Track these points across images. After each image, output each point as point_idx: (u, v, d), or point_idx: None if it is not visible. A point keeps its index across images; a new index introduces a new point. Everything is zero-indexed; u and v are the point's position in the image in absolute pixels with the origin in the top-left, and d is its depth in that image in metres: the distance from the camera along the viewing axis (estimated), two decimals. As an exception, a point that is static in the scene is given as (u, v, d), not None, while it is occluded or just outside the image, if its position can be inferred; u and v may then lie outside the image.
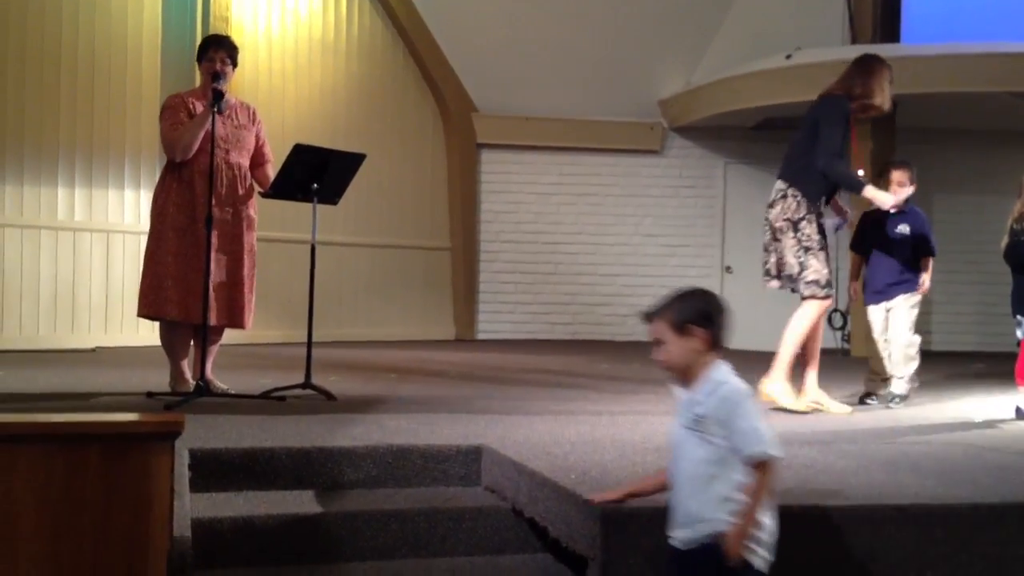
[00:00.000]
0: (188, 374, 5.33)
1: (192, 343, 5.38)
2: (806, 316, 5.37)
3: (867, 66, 5.47)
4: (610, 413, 5.12)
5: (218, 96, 5.09)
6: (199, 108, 5.26)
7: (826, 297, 5.37)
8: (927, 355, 6.32)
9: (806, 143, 5.41)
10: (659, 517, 2.92)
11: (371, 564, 3.38)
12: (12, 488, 2.36)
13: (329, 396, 5.26)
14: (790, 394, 5.33)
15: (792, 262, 5.39)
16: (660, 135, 11.48)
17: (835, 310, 10.82)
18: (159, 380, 5.47)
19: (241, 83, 8.99)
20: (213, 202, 5.05)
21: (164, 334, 5.36)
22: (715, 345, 2.69)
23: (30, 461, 2.37)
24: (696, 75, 11.06)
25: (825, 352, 5.67)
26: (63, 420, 2.45)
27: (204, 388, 5.01)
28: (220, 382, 5.31)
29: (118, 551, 2.41)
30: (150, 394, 5.09)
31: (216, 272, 5.13)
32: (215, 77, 5.20)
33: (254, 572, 3.21)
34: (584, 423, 4.67)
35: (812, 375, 5.45)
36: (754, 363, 4.70)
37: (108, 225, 8.69)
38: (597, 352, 9.31)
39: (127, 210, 8.84)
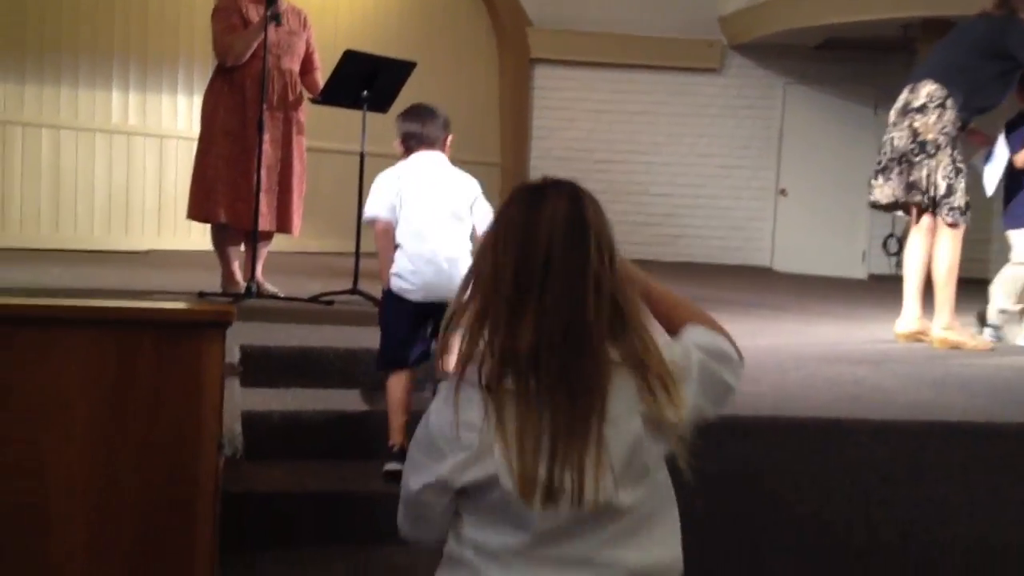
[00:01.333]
0: (239, 276, 5.39)
1: (243, 246, 5.44)
2: (950, 249, 4.95)
3: None
4: (652, 328, 5.09)
5: (274, 12, 5.02)
6: (251, 11, 5.22)
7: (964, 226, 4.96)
8: (985, 283, 6.17)
9: (978, 60, 4.85)
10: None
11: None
12: (69, 370, 2.41)
13: (376, 302, 5.29)
14: (963, 334, 4.99)
15: (941, 183, 4.87)
16: (719, 53, 11.23)
17: (891, 234, 10.66)
18: (211, 282, 5.53)
19: (295, -11, 8.92)
20: (264, 108, 5.04)
21: (215, 237, 5.41)
22: None
23: (86, 344, 2.42)
24: (758, -9, 10.78)
25: (878, 278, 5.57)
26: (118, 306, 2.49)
27: (254, 290, 5.07)
28: (270, 285, 5.37)
29: (170, 435, 2.46)
30: (202, 294, 5.16)
31: (266, 178, 5.15)
32: None
33: (301, 465, 3.28)
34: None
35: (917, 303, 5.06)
36: (806, 287, 4.63)
37: (161, 130, 8.74)
38: (646, 271, 9.24)
39: (180, 115, 8.88)
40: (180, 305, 2.59)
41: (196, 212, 5.31)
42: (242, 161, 5.16)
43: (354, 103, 5.40)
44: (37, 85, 8.15)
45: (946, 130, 4.85)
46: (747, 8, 10.79)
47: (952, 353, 4.68)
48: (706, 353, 1.64)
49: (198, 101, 8.81)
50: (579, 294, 1.49)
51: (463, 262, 3.31)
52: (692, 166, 11.27)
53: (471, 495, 1.52)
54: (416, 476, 1.58)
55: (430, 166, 3.52)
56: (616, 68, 11.14)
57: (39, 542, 2.41)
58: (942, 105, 4.85)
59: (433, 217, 3.41)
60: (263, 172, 5.08)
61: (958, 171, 4.89)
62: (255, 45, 5.10)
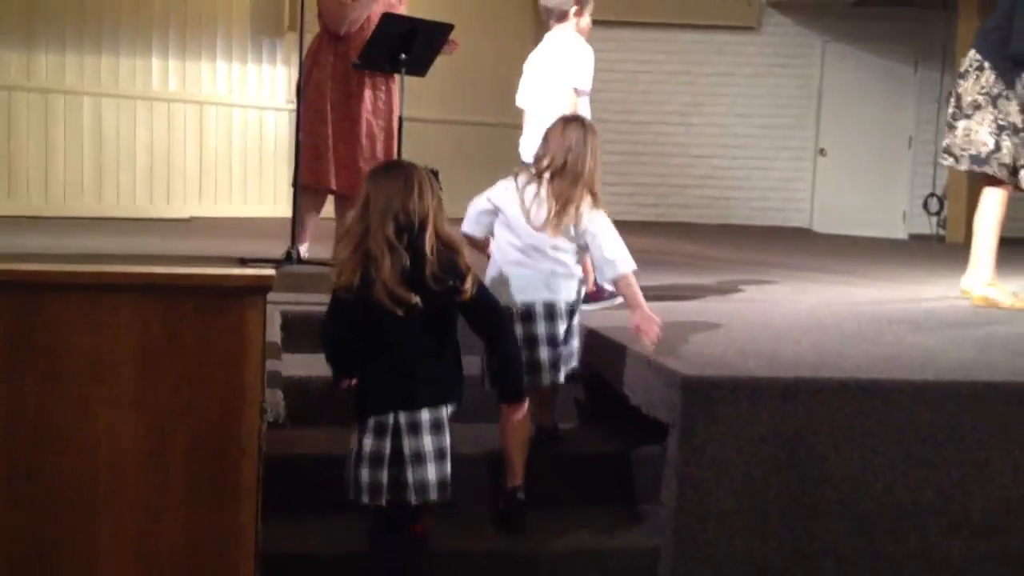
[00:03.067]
0: (305, 246, 5.43)
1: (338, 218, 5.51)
2: (987, 205, 4.90)
3: None
4: (692, 289, 5.10)
5: None
6: None
7: (1013, 185, 4.85)
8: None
9: (1004, 17, 4.77)
10: (741, 387, 2.93)
11: (454, 425, 3.46)
12: (115, 335, 2.47)
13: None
14: (1004, 292, 4.91)
15: (988, 140, 4.81)
16: (757, 11, 11.08)
17: (931, 194, 10.51)
18: (252, 248, 5.59)
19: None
20: (368, 80, 5.23)
21: (303, 203, 5.44)
22: None
23: (130, 310, 2.47)
24: (797, -53, 10.61)
25: (918, 238, 5.50)
26: (161, 272, 2.54)
27: (296, 256, 5.12)
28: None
29: (213, 398, 2.51)
30: (243, 260, 5.22)
31: (367, 147, 5.30)
32: None
33: (342, 430, 3.32)
34: (667, 297, 4.66)
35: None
36: (846, 247, 4.59)
37: (201, 96, 8.81)
38: (684, 234, 9.22)
39: (219, 82, 8.93)
40: (222, 271, 2.63)
41: (310, 178, 5.38)
42: (346, 129, 5.31)
43: (393, 67, 5.40)
44: (77, 54, 8.24)
45: (984, 90, 4.82)
46: (786, -35, 10.64)
47: (994, 313, 4.63)
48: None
49: (238, 67, 8.99)
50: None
51: None
52: (731, 127, 11.16)
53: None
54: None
55: None
56: (653, 27, 11.03)
57: (90, 506, 2.48)
58: (981, 67, 4.83)
59: None
60: (364, 141, 5.28)
61: (1001, 128, 4.80)
62: (367, 14, 5.28)
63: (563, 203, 3.20)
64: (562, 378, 3.28)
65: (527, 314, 3.19)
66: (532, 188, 3.25)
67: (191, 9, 8.73)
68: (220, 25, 8.91)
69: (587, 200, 3.25)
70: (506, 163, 11.70)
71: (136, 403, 2.50)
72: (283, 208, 8.41)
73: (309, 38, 5.49)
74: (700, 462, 2.90)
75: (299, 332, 3.74)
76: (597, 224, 3.26)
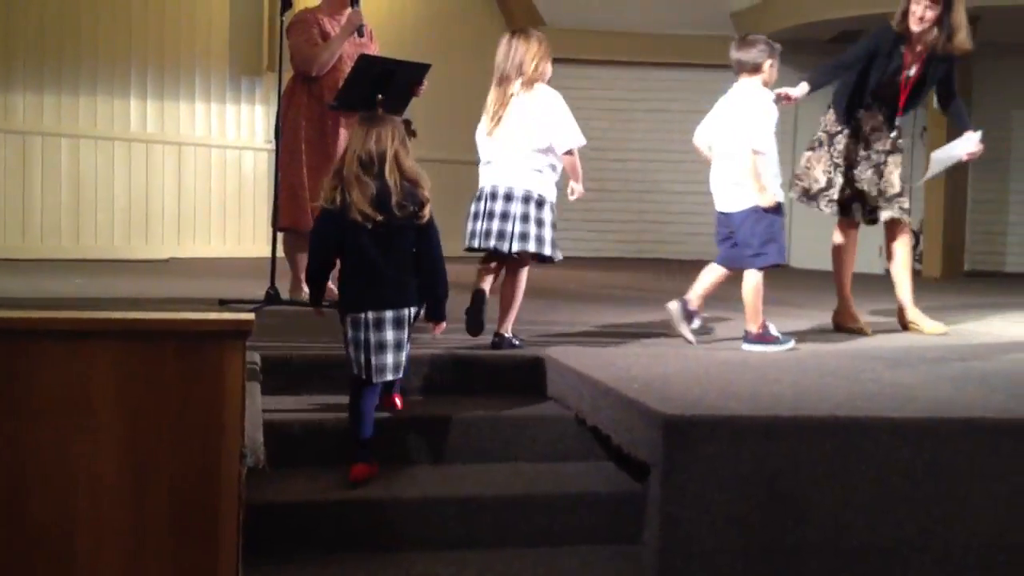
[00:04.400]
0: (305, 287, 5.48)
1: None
2: (839, 239, 5.38)
3: None
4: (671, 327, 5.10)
5: (359, 24, 5.37)
6: (328, 26, 5.44)
7: (849, 221, 5.30)
8: (1001, 276, 6.17)
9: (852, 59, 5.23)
10: (721, 426, 2.94)
11: (436, 468, 3.46)
12: (93, 382, 2.45)
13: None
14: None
15: (820, 177, 5.28)
16: (732, 49, 11.21)
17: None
18: (231, 289, 5.58)
19: (308, -5, 8.96)
20: (343, 119, 5.28)
21: (288, 244, 5.52)
22: None
23: (110, 356, 2.45)
24: (770, -14, 10.76)
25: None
26: (140, 318, 2.53)
27: (275, 296, 5.12)
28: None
29: (193, 444, 2.49)
30: (222, 301, 5.20)
31: None
32: (354, 0, 5.42)
33: (323, 472, 3.31)
34: (648, 335, 4.67)
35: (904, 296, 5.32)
36: (823, 283, 4.64)
37: (180, 137, 8.82)
38: (662, 270, 9.27)
39: (198, 123, 8.95)
40: (201, 315, 2.62)
41: (287, 220, 5.41)
42: (323, 170, 5.27)
43: (369, 107, 5.43)
44: (55, 95, 8.24)
45: (824, 128, 5.36)
46: (758, 4, 10.78)
47: (971, 349, 4.67)
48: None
49: (216, 108, 9.02)
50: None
51: None
52: (707, 162, 11.23)
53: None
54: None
55: None
56: (629, 66, 11.15)
57: (68, 549, 2.45)
58: (829, 106, 5.40)
59: None
60: None
61: (835, 166, 5.24)
62: (338, 54, 5.35)
63: None
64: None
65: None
66: None
67: (169, 50, 8.76)
68: (198, 66, 8.93)
69: None
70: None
71: (115, 449, 2.48)
72: (262, 248, 8.39)
73: (288, 77, 5.53)
74: (682, 501, 2.90)
75: (279, 374, 3.72)
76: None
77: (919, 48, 5.01)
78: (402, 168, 3.40)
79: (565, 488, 3.34)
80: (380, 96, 5.35)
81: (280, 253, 5.37)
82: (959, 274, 10.26)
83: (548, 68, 4.39)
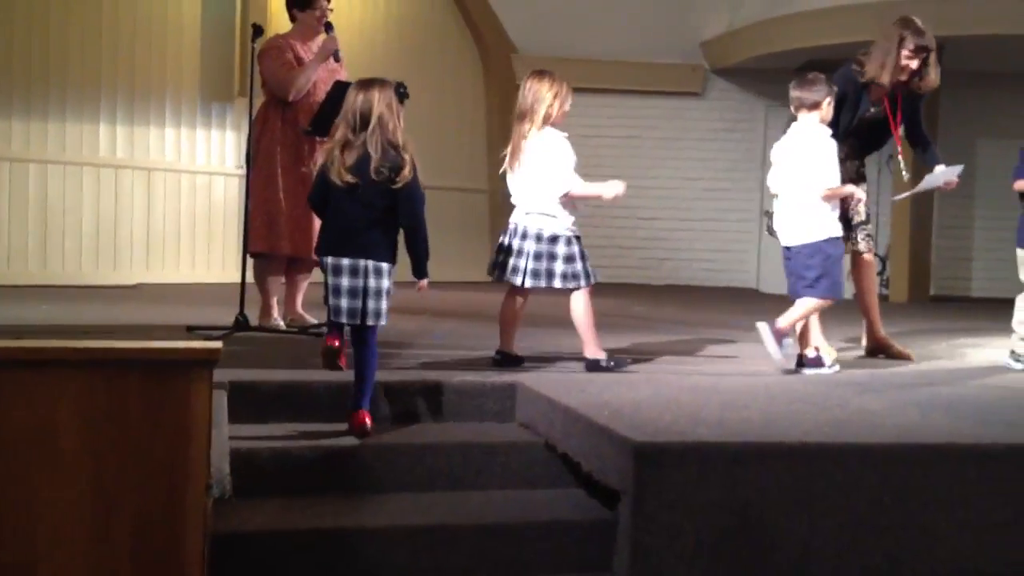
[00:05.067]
0: (276, 310, 5.51)
1: (284, 281, 5.63)
2: None
3: (884, 30, 5.09)
4: (645, 353, 5.13)
5: (335, 50, 5.43)
6: (301, 51, 5.47)
7: None
8: (968, 301, 6.24)
9: None
10: (690, 453, 2.94)
11: (406, 496, 3.44)
12: (58, 411, 2.42)
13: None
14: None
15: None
16: (702, 77, 11.32)
17: (874, 255, 10.72)
18: (200, 315, 5.54)
19: (280, 20, 8.96)
20: (319, 143, 5.25)
21: (258, 269, 5.52)
22: None
23: (75, 385, 2.43)
24: (739, 16, 10.88)
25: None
26: (105, 346, 2.50)
27: (244, 323, 5.09)
28: (310, 317, 5.53)
29: (159, 475, 2.47)
30: (190, 328, 5.16)
31: None
32: (329, 27, 5.48)
33: (291, 502, 3.28)
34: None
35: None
36: (789, 307, 4.67)
37: (149, 163, 8.76)
38: (633, 295, 9.29)
39: (168, 148, 8.90)
40: (168, 344, 2.60)
41: (261, 245, 5.42)
42: (299, 195, 5.32)
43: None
44: (24, 120, 8.18)
45: None
46: (728, 33, 10.90)
47: (936, 374, 4.72)
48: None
49: (186, 133, 8.98)
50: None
51: None
52: (678, 189, 11.33)
53: None
54: None
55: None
56: (601, 93, 11.21)
57: (29, 585, 2.42)
58: None
59: None
60: None
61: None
62: (313, 78, 5.37)
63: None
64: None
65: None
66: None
67: (139, 75, 8.72)
68: (169, 91, 8.90)
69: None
70: (458, 227, 11.76)
71: (79, 479, 2.45)
72: (232, 274, 8.34)
73: (259, 103, 5.53)
74: (652, 529, 2.90)
75: (247, 401, 3.69)
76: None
77: (881, 89, 5.10)
78: (385, 130, 3.67)
79: (535, 516, 3.33)
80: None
81: (250, 279, 5.33)
82: (926, 299, 10.37)
83: (561, 109, 4.58)
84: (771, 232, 5.09)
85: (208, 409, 2.51)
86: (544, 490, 3.57)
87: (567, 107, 4.57)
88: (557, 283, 4.47)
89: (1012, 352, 5.07)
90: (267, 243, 5.40)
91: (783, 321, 4.60)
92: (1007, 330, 5.19)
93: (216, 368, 2.58)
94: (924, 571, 3.01)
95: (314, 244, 5.22)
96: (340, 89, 5.30)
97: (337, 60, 5.46)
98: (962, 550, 3.03)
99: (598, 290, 4.67)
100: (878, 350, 5.37)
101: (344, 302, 3.70)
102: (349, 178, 3.66)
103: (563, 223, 4.52)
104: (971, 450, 3.11)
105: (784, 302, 4.70)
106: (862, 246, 5.28)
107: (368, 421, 3.62)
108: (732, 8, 10.93)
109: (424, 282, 3.88)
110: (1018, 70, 10.46)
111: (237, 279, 5.38)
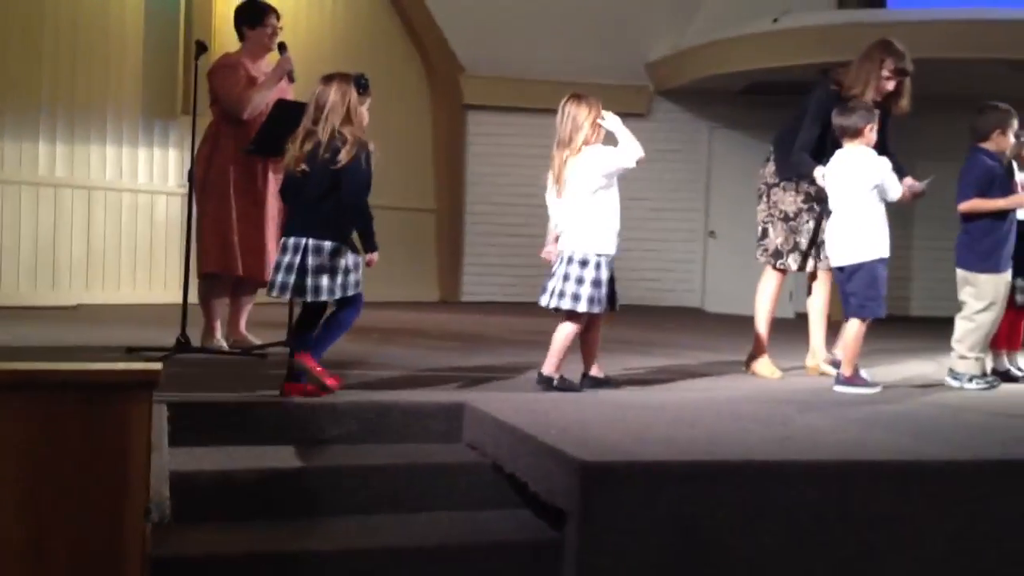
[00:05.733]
0: (219, 332, 5.44)
1: (229, 302, 5.58)
2: (761, 284, 5.44)
3: (865, 51, 5.22)
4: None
5: (290, 71, 5.41)
6: (252, 70, 5.42)
7: (778, 269, 5.38)
8: (907, 320, 6.35)
9: (798, 123, 5.32)
10: (637, 471, 2.95)
11: (351, 519, 3.40)
12: (-8, 435, 2.36)
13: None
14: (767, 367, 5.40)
15: (758, 228, 5.42)
16: (647, 98, 11.43)
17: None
18: (140, 336, 5.45)
19: (225, 38, 8.88)
20: (272, 163, 5.21)
21: (202, 290, 5.45)
22: None
23: (11, 408, 2.37)
24: (684, 38, 11.01)
25: (804, 316, 5.67)
26: (42, 368, 2.45)
27: (185, 344, 5.01)
28: (252, 337, 5.49)
29: (96, 499, 2.41)
30: (130, 349, 5.07)
31: (273, 229, 5.29)
32: (283, 47, 5.43)
33: (233, 526, 3.22)
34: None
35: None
36: (737, 327, 4.71)
37: (89, 182, 8.62)
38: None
39: (109, 167, 8.77)
40: (106, 366, 2.55)
41: (214, 265, 5.37)
42: (253, 214, 5.33)
43: (285, 152, 5.40)
44: (-40, 138, 8.01)
45: (764, 180, 5.43)
46: (673, 55, 11.02)
47: (878, 394, 4.79)
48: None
49: (128, 151, 8.85)
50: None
51: None
52: (624, 209, 11.36)
53: None
54: None
55: None
56: (549, 113, 11.18)
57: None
58: (768, 159, 5.46)
59: None
60: (271, 224, 5.32)
61: (771, 216, 5.36)
62: (268, 98, 5.31)
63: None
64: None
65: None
66: None
67: (80, 93, 8.58)
68: (110, 109, 8.77)
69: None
70: (406, 247, 11.72)
71: (15, 504, 2.38)
72: (174, 294, 8.22)
73: (203, 121, 5.46)
74: (598, 548, 2.89)
75: (188, 424, 3.63)
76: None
77: None
78: (333, 118, 4.05)
79: (481, 537, 3.31)
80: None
81: (192, 299, 5.25)
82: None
83: (598, 133, 4.63)
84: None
85: (147, 432, 2.46)
86: (491, 511, 3.55)
87: (604, 130, 4.61)
88: (581, 307, 4.46)
89: (951, 370, 5.16)
90: (221, 263, 5.34)
91: (847, 369, 4.78)
92: (946, 349, 5.29)
93: (157, 390, 2.53)
94: (867, 587, 3.04)
95: (266, 266, 5.21)
96: (282, 108, 5.27)
97: (292, 80, 5.43)
98: (904, 565, 3.06)
99: (544, 312, 4.67)
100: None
101: (279, 277, 4.05)
102: (302, 166, 4.04)
103: (600, 244, 4.57)
104: (911, 466, 3.15)
105: (724, 321, 4.71)
106: (824, 263, 5.33)
107: (308, 364, 3.98)
108: (677, 30, 11.06)
109: (372, 255, 4.15)
110: (955, 92, 10.71)
111: (179, 299, 5.30)
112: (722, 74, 10.34)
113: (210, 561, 3.01)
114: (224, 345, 5.37)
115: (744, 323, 5.37)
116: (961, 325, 5.12)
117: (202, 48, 5.26)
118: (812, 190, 5.30)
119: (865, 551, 3.04)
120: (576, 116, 4.54)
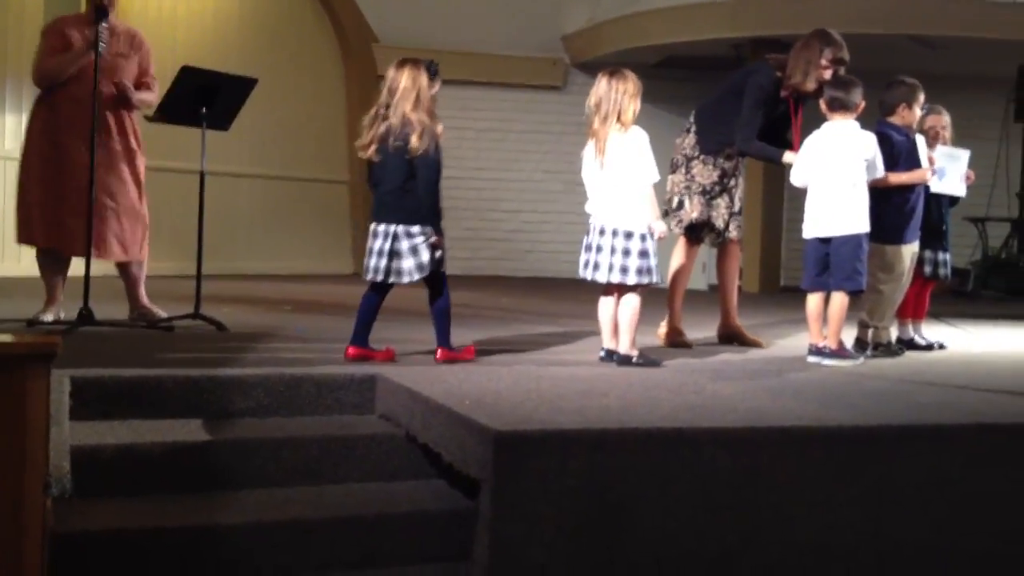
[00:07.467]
0: (55, 308, 5.20)
1: (121, 276, 5.43)
2: (674, 256, 5.46)
3: (805, 39, 5.30)
4: (506, 344, 5.14)
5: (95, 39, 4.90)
6: (75, 35, 5.13)
7: (692, 241, 5.44)
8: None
9: (727, 99, 5.37)
10: (550, 440, 2.95)
11: (262, 492, 3.34)
12: None
13: (220, 327, 5.16)
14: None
15: (674, 199, 5.43)
16: (562, 71, 11.45)
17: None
18: (36, 310, 5.26)
19: (130, 5, 8.63)
20: (97, 138, 4.90)
21: (38, 261, 5.29)
22: None
23: None
24: (600, 11, 11.03)
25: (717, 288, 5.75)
26: (-70, 340, 2.34)
27: (88, 317, 4.86)
28: (158, 309, 5.35)
29: (-8, 475, 2.32)
30: (30, 322, 4.92)
31: (80, 201, 4.91)
32: (100, 13, 4.95)
33: (138, 501, 3.15)
34: (480, 353, 4.67)
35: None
36: (653, 298, 4.76)
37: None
38: (497, 287, 9.32)
39: (7, 136, 8.45)
40: (1, 338, 2.44)
41: (23, 237, 5.23)
42: (57, 184, 5.06)
43: (193, 121, 5.26)
44: None
45: (683, 151, 5.44)
46: (588, 28, 11.04)
47: (787, 362, 4.88)
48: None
49: (25, 121, 8.49)
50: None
51: None
52: (540, 182, 11.43)
53: None
54: None
55: None
56: (462, 85, 11.20)
57: None
58: (688, 129, 5.47)
59: None
60: (75, 195, 4.95)
61: (687, 189, 5.40)
62: (72, 69, 5.04)
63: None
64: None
65: None
66: None
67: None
68: (8, 77, 8.45)
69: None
70: (319, 219, 11.57)
71: (-99, 483, 2.28)
72: (11, 267, 7.96)
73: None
74: (512, 517, 2.89)
75: (90, 397, 3.52)
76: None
77: (785, 92, 5.33)
78: (405, 103, 4.24)
79: (395, 508, 3.28)
80: (204, 110, 5.21)
81: (93, 272, 5.08)
82: (775, 290, 10.76)
83: (637, 110, 4.60)
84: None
85: (46, 405, 2.37)
86: (404, 482, 3.53)
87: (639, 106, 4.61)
88: (631, 279, 4.46)
89: (857, 340, 5.29)
90: (26, 234, 5.21)
91: (832, 341, 4.81)
92: (853, 320, 5.41)
93: (59, 364, 2.44)
94: (777, 550, 3.10)
95: (67, 237, 5.01)
96: (188, 74, 5.14)
97: (98, 53, 4.88)
98: (812, 528, 3.13)
99: (462, 283, 4.66)
100: (731, 337, 5.53)
101: (373, 261, 4.26)
102: (371, 153, 4.28)
103: (642, 219, 4.50)
104: (817, 432, 3.22)
105: (650, 293, 4.73)
106: (735, 234, 5.43)
107: (444, 355, 4.36)
108: (592, 3, 11.08)
109: (436, 239, 4.31)
110: (863, 67, 10.93)
111: (24, 273, 5.14)
112: (638, 47, 10.39)
113: (115, 535, 2.92)
114: (48, 318, 5.09)
115: (660, 295, 5.41)
116: (867, 296, 5.24)
117: (102, 12, 4.99)
118: (727, 166, 5.38)
119: (774, 515, 3.10)
120: (625, 90, 4.54)
